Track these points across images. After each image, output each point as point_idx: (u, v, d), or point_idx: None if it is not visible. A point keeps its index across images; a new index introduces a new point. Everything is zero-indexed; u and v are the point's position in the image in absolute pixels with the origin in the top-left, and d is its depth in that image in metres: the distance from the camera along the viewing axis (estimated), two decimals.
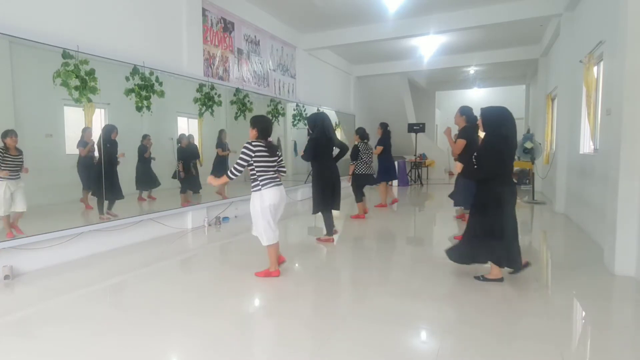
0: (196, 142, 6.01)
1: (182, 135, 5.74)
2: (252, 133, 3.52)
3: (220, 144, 6.44)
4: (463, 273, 3.68)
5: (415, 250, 4.89)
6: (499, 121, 3.29)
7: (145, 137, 5.12)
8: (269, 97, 7.86)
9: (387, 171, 7.37)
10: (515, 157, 10.81)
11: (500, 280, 3.41)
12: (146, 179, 5.27)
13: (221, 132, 6.44)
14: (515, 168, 11.83)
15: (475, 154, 3.38)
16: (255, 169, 3.45)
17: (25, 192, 3.79)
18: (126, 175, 4.90)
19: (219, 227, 5.99)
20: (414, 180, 12.50)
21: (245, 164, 3.43)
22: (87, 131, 4.34)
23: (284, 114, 8.38)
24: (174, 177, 5.66)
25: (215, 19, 6.59)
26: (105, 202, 4.56)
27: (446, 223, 6.86)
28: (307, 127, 4.98)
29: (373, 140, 7.42)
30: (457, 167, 3.52)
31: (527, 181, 10.72)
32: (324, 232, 4.99)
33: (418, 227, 6.43)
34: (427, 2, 7.33)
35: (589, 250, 4.53)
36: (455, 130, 4.98)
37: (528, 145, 8.15)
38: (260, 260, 3.82)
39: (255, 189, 3.49)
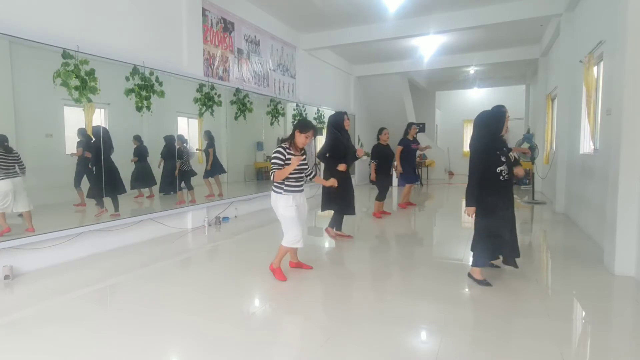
0: (195, 143, 6.03)
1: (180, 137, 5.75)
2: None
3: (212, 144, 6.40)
4: (461, 272, 3.68)
5: (414, 250, 4.88)
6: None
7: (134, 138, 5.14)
8: (269, 97, 7.85)
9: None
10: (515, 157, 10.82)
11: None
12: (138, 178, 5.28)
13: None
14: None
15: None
16: None
17: (27, 191, 3.80)
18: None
19: (219, 227, 5.99)
20: None
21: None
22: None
23: (284, 114, 8.38)
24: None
25: (215, 19, 6.58)
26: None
27: (447, 223, 6.87)
28: (327, 125, 4.96)
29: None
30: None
31: (527, 181, 10.73)
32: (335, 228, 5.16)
33: (419, 228, 6.42)
34: (427, 2, 7.32)
35: (589, 250, 4.54)
36: None
37: (524, 146, 8.16)
38: (261, 260, 3.83)
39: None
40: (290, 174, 3.36)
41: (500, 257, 3.63)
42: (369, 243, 5.10)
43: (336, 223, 5.12)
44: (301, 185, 3.50)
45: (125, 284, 3.61)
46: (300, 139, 3.40)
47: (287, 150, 3.38)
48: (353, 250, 4.74)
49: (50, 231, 3.94)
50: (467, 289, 3.34)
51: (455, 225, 6.56)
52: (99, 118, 4.57)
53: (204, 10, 6.24)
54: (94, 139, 4.37)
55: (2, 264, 3.59)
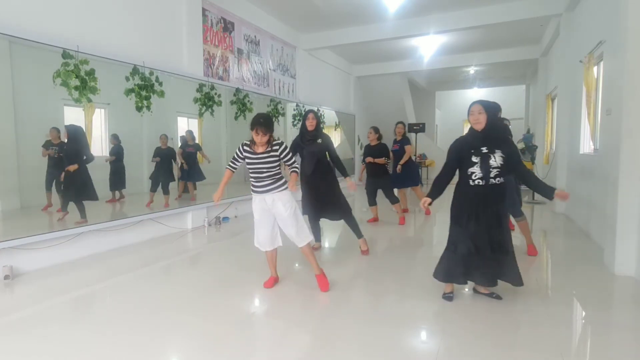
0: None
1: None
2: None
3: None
4: None
5: (416, 253, 4.88)
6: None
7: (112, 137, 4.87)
8: (269, 97, 7.86)
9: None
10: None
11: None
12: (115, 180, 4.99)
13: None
14: None
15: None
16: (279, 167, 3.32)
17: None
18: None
19: (219, 227, 5.99)
20: None
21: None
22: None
23: (284, 114, 8.38)
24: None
25: (215, 19, 6.58)
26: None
27: (447, 222, 6.86)
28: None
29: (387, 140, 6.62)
30: None
31: None
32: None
33: (418, 227, 6.41)
34: (427, 2, 7.33)
35: (589, 250, 4.54)
36: None
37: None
38: (262, 260, 3.81)
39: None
40: (249, 172, 3.21)
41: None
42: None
43: (314, 231, 4.39)
44: (263, 187, 3.19)
45: (125, 284, 3.61)
46: (253, 137, 3.14)
47: (245, 147, 3.18)
48: (351, 251, 4.74)
49: (50, 231, 3.94)
50: (467, 289, 3.33)
51: None
52: (99, 118, 4.57)
53: (204, 10, 6.24)
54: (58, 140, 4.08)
55: (2, 264, 3.59)
